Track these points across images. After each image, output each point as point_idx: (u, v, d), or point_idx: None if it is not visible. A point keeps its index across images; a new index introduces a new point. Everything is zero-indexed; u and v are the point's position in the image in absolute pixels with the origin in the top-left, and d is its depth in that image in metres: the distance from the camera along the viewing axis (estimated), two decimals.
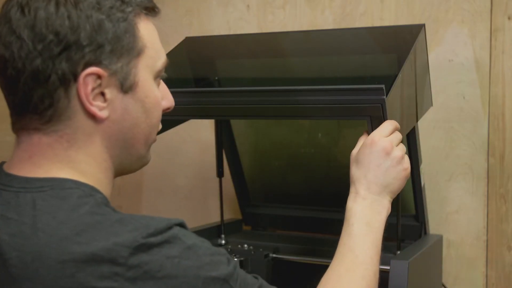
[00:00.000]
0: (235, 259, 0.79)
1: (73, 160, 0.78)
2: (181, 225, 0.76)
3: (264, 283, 0.82)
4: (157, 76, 0.84)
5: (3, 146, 1.56)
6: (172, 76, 1.39)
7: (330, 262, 1.34)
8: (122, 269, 0.69)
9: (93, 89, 0.76)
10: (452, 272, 1.54)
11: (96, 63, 0.76)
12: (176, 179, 1.87)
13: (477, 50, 1.48)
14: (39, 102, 0.76)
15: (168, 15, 1.82)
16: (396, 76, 1.04)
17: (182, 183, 1.86)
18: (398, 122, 1.05)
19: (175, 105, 1.14)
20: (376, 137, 0.96)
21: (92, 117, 0.78)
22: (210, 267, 0.74)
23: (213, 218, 1.68)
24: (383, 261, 1.27)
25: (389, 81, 1.03)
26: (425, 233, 1.40)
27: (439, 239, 1.43)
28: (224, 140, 1.52)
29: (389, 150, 0.96)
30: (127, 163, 0.84)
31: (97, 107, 0.77)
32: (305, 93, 1.04)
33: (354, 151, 1.00)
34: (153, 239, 0.71)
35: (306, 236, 1.53)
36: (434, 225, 1.53)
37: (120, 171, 0.85)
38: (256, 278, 0.82)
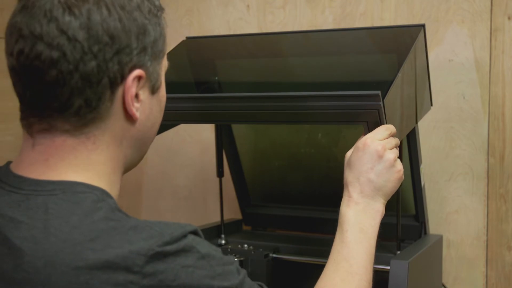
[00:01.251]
0: (243, 270, 0.79)
1: (93, 162, 0.77)
2: (195, 232, 0.75)
3: None
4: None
5: (3, 146, 1.56)
6: (172, 76, 1.39)
7: None
8: (137, 277, 0.69)
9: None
10: (452, 272, 1.54)
11: (140, 65, 0.77)
12: (176, 179, 1.87)
13: (477, 50, 1.48)
14: (86, 105, 0.74)
15: (168, 15, 1.82)
16: (395, 77, 1.04)
17: (182, 183, 1.87)
18: (397, 123, 1.05)
19: (173, 110, 1.15)
20: (369, 140, 0.96)
21: (129, 118, 0.79)
22: (222, 277, 0.74)
23: (213, 218, 1.68)
24: (383, 261, 1.28)
25: (388, 82, 1.03)
26: (425, 233, 1.40)
27: (439, 239, 1.43)
28: (224, 140, 1.52)
29: (381, 153, 0.96)
30: (133, 162, 0.85)
31: (135, 108, 0.78)
32: (302, 99, 1.04)
33: (348, 154, 1.00)
34: (168, 248, 0.71)
35: (306, 236, 1.53)
36: (434, 225, 1.53)
37: (125, 170, 0.85)
38: (261, 286, 0.82)
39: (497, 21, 1.46)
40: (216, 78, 1.36)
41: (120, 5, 0.75)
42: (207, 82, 1.34)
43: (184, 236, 0.73)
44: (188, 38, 1.50)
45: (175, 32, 1.80)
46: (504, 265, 1.50)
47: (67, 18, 0.72)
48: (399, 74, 1.05)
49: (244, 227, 1.65)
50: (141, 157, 0.86)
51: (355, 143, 0.99)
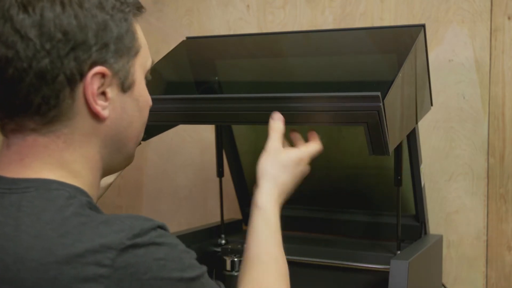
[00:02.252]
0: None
1: (67, 160, 0.78)
2: (164, 227, 0.75)
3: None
4: (146, 76, 0.86)
5: None
6: (172, 76, 1.39)
7: (330, 262, 1.35)
8: (107, 271, 0.68)
9: (98, 88, 0.77)
10: (452, 272, 1.54)
11: (102, 62, 0.76)
12: (176, 179, 1.87)
13: (477, 50, 1.48)
14: (44, 102, 0.75)
15: (168, 15, 1.82)
16: (395, 77, 1.04)
17: (182, 183, 1.86)
18: (397, 123, 1.06)
19: (170, 111, 1.15)
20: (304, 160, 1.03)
21: (95, 116, 0.78)
22: (191, 269, 0.75)
23: (213, 218, 1.68)
24: (383, 261, 1.28)
25: (388, 82, 1.03)
26: (425, 233, 1.40)
27: (439, 239, 1.43)
28: (224, 140, 1.52)
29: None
30: (115, 163, 0.85)
31: (101, 106, 0.78)
32: (301, 100, 1.04)
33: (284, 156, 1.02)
34: (139, 240, 0.70)
35: (306, 236, 1.53)
36: (434, 225, 1.53)
37: (107, 171, 0.85)
38: (218, 285, 0.82)
39: (497, 21, 1.46)
40: (216, 78, 1.36)
41: (77, 2, 0.75)
42: (207, 82, 1.34)
43: (154, 229, 0.73)
44: (188, 38, 1.50)
45: (175, 32, 1.80)
46: (504, 265, 1.50)
47: (21, 16, 0.73)
48: (399, 75, 1.05)
49: (244, 227, 1.65)
50: (125, 159, 0.86)
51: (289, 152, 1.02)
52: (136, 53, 0.81)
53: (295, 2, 1.66)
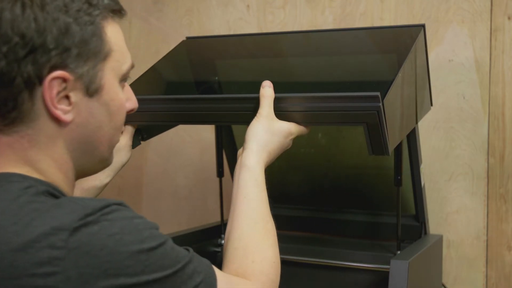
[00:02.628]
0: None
1: (32, 159, 0.78)
2: (121, 204, 0.75)
3: (195, 254, 0.81)
4: (122, 80, 0.84)
5: None
6: (172, 76, 1.39)
7: (330, 262, 1.35)
8: (62, 252, 0.68)
9: (58, 93, 0.76)
10: (452, 272, 1.54)
11: (62, 66, 0.75)
12: (176, 179, 1.87)
13: (477, 50, 1.48)
14: (2, 104, 0.75)
15: (168, 15, 1.82)
16: (395, 77, 1.04)
17: (182, 183, 1.86)
18: (397, 123, 1.06)
19: (167, 111, 1.15)
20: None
21: (56, 120, 0.77)
22: (151, 239, 0.74)
23: (213, 218, 1.68)
24: (383, 261, 1.28)
25: (388, 82, 1.03)
26: (425, 233, 1.40)
27: (439, 239, 1.43)
28: (224, 140, 1.52)
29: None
30: (89, 165, 0.84)
31: (62, 110, 0.77)
32: (300, 100, 1.04)
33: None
34: (91, 219, 0.70)
35: (306, 236, 1.53)
36: (434, 225, 1.53)
37: (81, 173, 0.84)
38: (187, 250, 0.81)
39: (497, 21, 1.46)
40: (216, 78, 1.36)
41: (39, 4, 0.74)
42: (207, 82, 1.34)
43: (108, 206, 0.73)
44: (188, 38, 1.50)
45: (175, 32, 1.80)
46: (504, 265, 1.50)
47: None
48: (399, 74, 1.05)
49: None
50: (99, 161, 0.85)
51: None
52: (106, 57, 0.80)
53: (295, 2, 1.66)
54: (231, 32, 1.74)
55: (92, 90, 0.79)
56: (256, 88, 1.06)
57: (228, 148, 1.55)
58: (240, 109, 1.08)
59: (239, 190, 0.97)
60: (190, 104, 1.13)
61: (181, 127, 1.69)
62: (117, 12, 0.83)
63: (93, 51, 0.78)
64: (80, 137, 0.80)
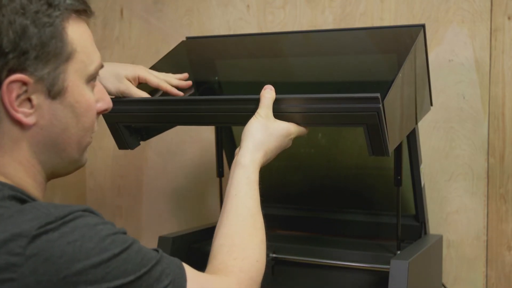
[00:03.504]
0: (134, 239, 0.77)
1: None
2: (87, 210, 0.74)
3: (165, 255, 0.80)
4: (90, 80, 0.82)
5: None
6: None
7: (329, 262, 1.35)
8: (20, 259, 0.67)
9: (18, 96, 0.75)
10: (452, 272, 1.54)
11: (20, 69, 0.74)
12: (176, 179, 1.87)
13: (477, 50, 1.48)
14: None
15: (168, 15, 1.82)
16: (394, 78, 1.04)
17: (182, 183, 1.86)
18: (397, 124, 1.06)
19: (166, 112, 1.14)
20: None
21: (18, 123, 0.76)
22: (113, 245, 0.73)
23: (213, 218, 1.68)
24: (383, 261, 1.28)
25: (388, 82, 1.03)
26: (425, 233, 1.40)
27: (439, 239, 1.43)
28: (224, 140, 1.52)
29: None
30: (60, 167, 0.83)
31: (23, 113, 0.76)
32: (300, 101, 1.04)
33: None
34: (51, 226, 0.69)
35: (306, 236, 1.53)
36: (434, 225, 1.53)
37: (53, 175, 0.83)
38: (156, 251, 0.80)
39: (497, 21, 1.46)
40: (216, 78, 1.36)
41: None
42: (207, 82, 1.34)
43: (71, 213, 0.72)
44: (188, 38, 1.50)
45: (175, 32, 1.80)
46: (504, 265, 1.50)
47: None
48: (399, 75, 1.05)
49: None
50: (69, 163, 0.84)
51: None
52: (68, 58, 0.78)
53: (295, 2, 1.66)
54: (231, 32, 1.74)
55: (54, 92, 0.77)
56: (256, 88, 1.06)
57: (228, 148, 1.55)
58: (240, 110, 1.08)
59: (231, 188, 0.98)
60: (189, 105, 1.13)
61: (181, 127, 1.69)
62: (82, 12, 0.81)
63: (53, 53, 0.76)
64: (46, 140, 0.79)
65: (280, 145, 1.04)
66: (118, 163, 1.94)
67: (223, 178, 1.50)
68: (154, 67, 1.29)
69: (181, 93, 1.19)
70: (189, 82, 1.21)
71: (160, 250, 0.80)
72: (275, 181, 1.62)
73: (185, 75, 1.23)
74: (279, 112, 1.04)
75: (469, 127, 1.50)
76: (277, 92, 1.05)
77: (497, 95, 1.47)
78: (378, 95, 0.96)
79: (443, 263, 1.50)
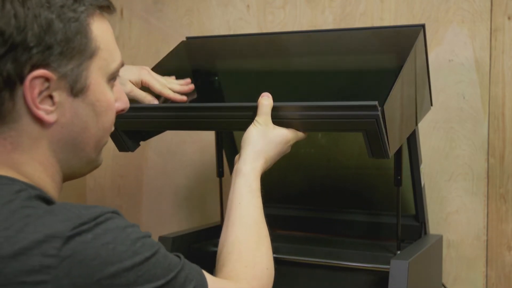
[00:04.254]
0: (159, 243, 0.78)
1: (16, 162, 0.75)
2: (115, 212, 0.74)
3: (186, 260, 0.80)
4: (111, 79, 0.81)
5: None
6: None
7: (330, 262, 1.35)
8: (54, 260, 0.66)
9: (40, 92, 0.73)
10: (452, 272, 1.54)
11: (44, 65, 0.72)
12: (176, 179, 1.87)
13: (477, 50, 1.48)
14: None
15: (168, 15, 1.82)
16: (394, 81, 1.04)
17: (182, 183, 1.86)
18: (397, 127, 1.06)
19: (165, 119, 1.14)
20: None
21: (39, 121, 0.74)
22: (143, 249, 0.72)
23: (213, 218, 1.68)
24: (383, 261, 1.28)
25: (388, 83, 1.03)
26: (425, 233, 1.40)
27: (439, 239, 1.43)
28: (224, 140, 1.52)
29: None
30: (76, 167, 0.82)
31: (44, 110, 0.74)
32: (299, 109, 1.04)
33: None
34: (85, 227, 0.68)
35: (306, 236, 1.53)
36: (434, 225, 1.53)
37: (69, 175, 0.82)
38: (178, 257, 0.80)
39: (497, 21, 1.46)
40: (216, 78, 1.36)
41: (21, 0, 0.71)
42: (207, 83, 1.34)
43: (102, 215, 0.71)
44: (188, 38, 1.50)
45: (175, 32, 1.80)
46: (504, 265, 1.50)
47: None
48: (399, 79, 1.05)
49: None
50: (87, 163, 0.82)
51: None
52: (92, 55, 0.77)
53: (295, 2, 1.66)
54: (231, 32, 1.74)
55: (77, 90, 0.76)
56: (256, 88, 1.06)
57: (228, 148, 1.55)
58: (239, 117, 1.08)
59: (234, 196, 0.98)
60: (187, 112, 1.13)
61: None
62: (105, 8, 0.80)
63: (77, 49, 0.75)
64: (66, 139, 0.77)
65: (280, 151, 1.04)
66: (118, 163, 1.94)
67: (223, 178, 1.50)
68: (155, 68, 1.29)
69: (184, 98, 1.18)
70: (191, 86, 1.21)
71: (182, 256, 0.80)
72: (275, 181, 1.61)
73: (188, 80, 1.22)
74: (278, 119, 1.04)
75: (469, 127, 1.50)
76: (276, 95, 1.06)
77: (497, 95, 1.47)
78: (376, 103, 0.96)
79: (443, 263, 1.50)
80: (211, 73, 1.37)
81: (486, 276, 1.52)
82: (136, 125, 1.18)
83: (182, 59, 1.42)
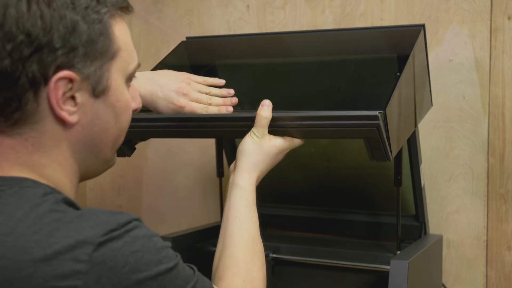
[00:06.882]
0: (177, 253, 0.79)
1: (37, 164, 0.75)
2: (139, 220, 0.74)
3: (198, 272, 0.82)
4: (129, 79, 0.82)
5: None
6: None
7: (330, 262, 1.35)
8: (85, 266, 0.66)
9: (64, 93, 0.74)
10: (452, 272, 1.54)
11: (69, 66, 0.73)
12: (176, 179, 1.87)
13: (477, 50, 1.48)
14: (6, 104, 0.72)
15: (168, 15, 1.82)
16: (395, 85, 1.04)
17: (182, 183, 1.87)
18: (397, 130, 1.06)
19: (164, 128, 1.13)
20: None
21: (61, 122, 0.75)
22: (167, 259, 0.74)
23: (213, 218, 1.68)
24: (383, 261, 1.28)
25: (388, 84, 1.03)
26: (425, 233, 1.40)
27: (439, 239, 1.43)
28: (224, 140, 1.52)
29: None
30: (93, 167, 0.82)
31: (67, 111, 0.75)
32: (298, 119, 1.04)
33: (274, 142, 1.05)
34: (115, 234, 0.69)
35: (306, 236, 1.53)
36: (434, 225, 1.53)
37: (85, 175, 0.82)
38: (192, 269, 0.81)
39: (497, 21, 1.46)
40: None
41: (45, 0, 0.71)
42: None
43: (130, 222, 0.72)
44: (188, 38, 1.50)
45: (175, 32, 1.80)
46: (504, 265, 1.50)
47: None
48: (399, 82, 1.05)
49: None
50: (103, 163, 0.83)
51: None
52: (113, 56, 0.78)
53: (295, 2, 1.66)
54: (231, 32, 1.74)
55: (98, 91, 0.76)
56: (256, 89, 1.06)
57: (228, 148, 1.55)
58: (237, 126, 1.08)
59: (230, 209, 0.99)
60: (184, 122, 1.12)
61: None
62: (125, 9, 0.81)
63: (100, 50, 0.76)
64: (86, 139, 0.78)
65: (274, 162, 1.05)
66: (118, 163, 1.93)
67: (223, 178, 1.50)
68: (155, 69, 1.29)
69: (229, 110, 1.12)
70: (234, 101, 1.15)
71: (195, 268, 0.81)
72: (275, 181, 1.62)
73: (231, 91, 1.16)
74: (277, 128, 1.04)
75: (469, 127, 1.50)
76: (276, 97, 1.05)
77: (497, 95, 1.47)
78: (377, 113, 0.96)
79: (443, 263, 1.50)
80: (211, 73, 1.37)
81: (486, 276, 1.52)
82: (133, 135, 1.18)
83: (182, 59, 1.42)
